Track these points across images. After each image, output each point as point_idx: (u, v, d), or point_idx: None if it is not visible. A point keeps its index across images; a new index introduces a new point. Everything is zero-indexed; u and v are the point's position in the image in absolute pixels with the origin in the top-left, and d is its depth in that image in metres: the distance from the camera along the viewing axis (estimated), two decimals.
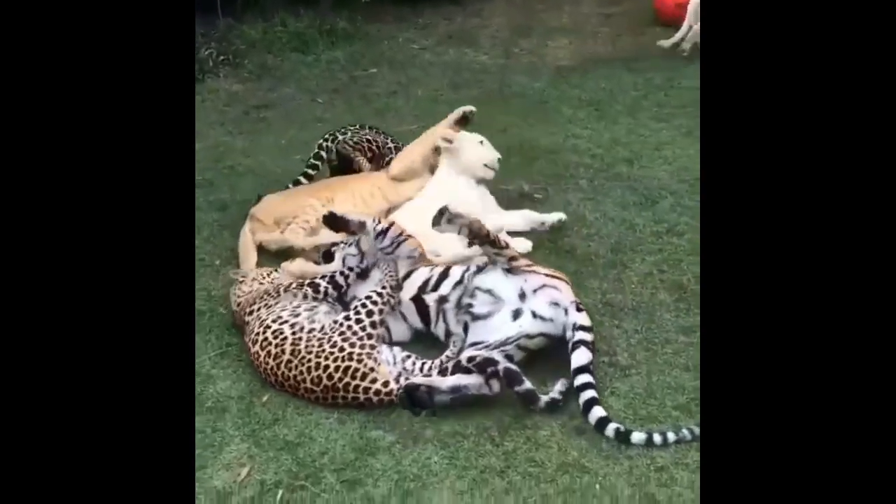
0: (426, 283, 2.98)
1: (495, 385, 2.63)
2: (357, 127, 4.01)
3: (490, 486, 2.38)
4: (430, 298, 2.95)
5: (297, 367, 2.68)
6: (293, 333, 2.74)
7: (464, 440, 2.55)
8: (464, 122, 3.79)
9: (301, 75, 5.66)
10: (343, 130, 3.96)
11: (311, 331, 2.75)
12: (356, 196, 3.64)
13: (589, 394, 2.61)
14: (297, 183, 3.90)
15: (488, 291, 2.88)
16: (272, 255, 3.51)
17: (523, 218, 3.70)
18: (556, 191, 4.08)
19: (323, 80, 5.59)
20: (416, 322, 2.98)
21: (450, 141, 3.67)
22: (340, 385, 2.63)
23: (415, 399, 2.60)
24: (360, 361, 2.65)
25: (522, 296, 2.84)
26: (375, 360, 2.67)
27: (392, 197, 3.68)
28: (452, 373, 2.66)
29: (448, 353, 2.80)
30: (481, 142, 3.73)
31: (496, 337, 2.79)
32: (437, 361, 2.74)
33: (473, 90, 5.46)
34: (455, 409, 2.62)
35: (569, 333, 2.77)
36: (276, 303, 2.90)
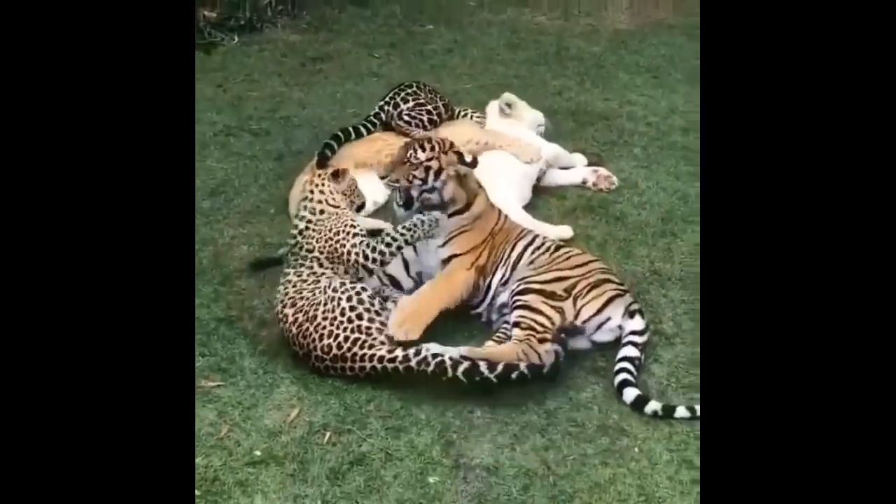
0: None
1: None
2: (415, 89, 3.91)
3: (530, 442, 2.45)
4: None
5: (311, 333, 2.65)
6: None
7: (506, 397, 2.61)
8: None
9: (358, 29, 5.66)
10: (404, 98, 3.86)
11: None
12: None
13: (622, 377, 2.62)
14: (346, 133, 3.85)
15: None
16: None
17: (585, 172, 3.82)
18: (609, 157, 4.06)
19: (380, 35, 5.58)
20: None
21: (510, 105, 3.84)
22: (349, 354, 2.61)
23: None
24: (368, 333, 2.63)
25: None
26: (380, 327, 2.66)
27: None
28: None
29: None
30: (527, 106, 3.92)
31: None
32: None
33: (529, 51, 5.40)
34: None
35: (623, 339, 2.77)
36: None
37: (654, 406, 2.53)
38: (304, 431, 2.48)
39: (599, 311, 2.78)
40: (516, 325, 2.69)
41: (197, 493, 2.26)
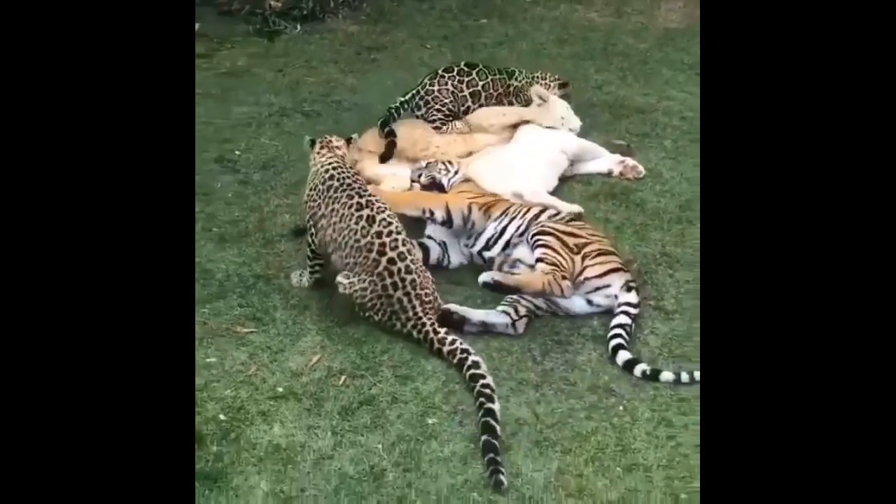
0: (489, 240, 3.26)
1: (521, 326, 2.93)
2: (428, 88, 4.09)
3: (524, 396, 2.68)
4: (487, 255, 3.26)
5: None
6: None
7: (508, 356, 2.86)
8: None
9: (414, 21, 5.94)
10: (416, 104, 4.09)
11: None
12: (443, 138, 3.96)
13: (617, 341, 2.83)
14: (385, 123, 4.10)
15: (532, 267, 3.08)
16: None
17: (611, 162, 3.98)
18: (639, 148, 4.22)
19: (434, 27, 5.85)
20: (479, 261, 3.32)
21: (544, 99, 4.01)
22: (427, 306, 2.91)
23: (447, 322, 2.91)
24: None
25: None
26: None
27: (473, 145, 3.96)
28: None
29: None
30: (567, 108, 4.07)
31: None
32: None
33: (577, 47, 5.58)
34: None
35: (615, 309, 2.97)
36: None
37: (642, 367, 2.73)
38: (323, 374, 2.77)
39: (602, 275, 3.02)
40: (540, 260, 3.01)
41: (224, 418, 2.58)
